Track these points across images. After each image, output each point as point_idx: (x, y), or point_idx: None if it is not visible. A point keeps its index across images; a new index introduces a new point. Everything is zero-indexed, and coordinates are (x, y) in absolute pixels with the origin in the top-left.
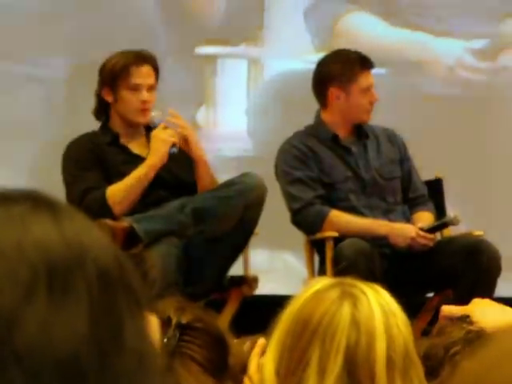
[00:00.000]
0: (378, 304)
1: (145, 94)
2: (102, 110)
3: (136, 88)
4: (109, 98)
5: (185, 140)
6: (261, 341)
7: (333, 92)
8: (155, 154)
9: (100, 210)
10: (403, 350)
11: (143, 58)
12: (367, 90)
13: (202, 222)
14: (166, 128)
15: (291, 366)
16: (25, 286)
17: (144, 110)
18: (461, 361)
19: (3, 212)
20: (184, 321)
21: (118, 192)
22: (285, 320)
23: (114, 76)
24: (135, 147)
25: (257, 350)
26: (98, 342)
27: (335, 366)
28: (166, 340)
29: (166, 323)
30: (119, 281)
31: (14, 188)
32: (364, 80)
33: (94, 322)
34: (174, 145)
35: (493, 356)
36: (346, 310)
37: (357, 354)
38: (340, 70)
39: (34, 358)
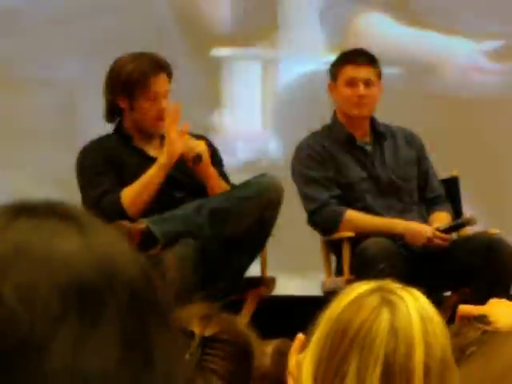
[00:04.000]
0: (416, 311)
1: (163, 103)
2: (114, 114)
3: (154, 97)
4: (124, 106)
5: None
6: (300, 336)
7: (329, 87)
8: (167, 154)
9: (116, 213)
10: (440, 357)
11: (160, 66)
12: (351, 83)
13: (218, 223)
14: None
15: (329, 374)
16: (55, 313)
17: (161, 120)
18: (473, 362)
19: (33, 229)
20: (208, 333)
21: (131, 194)
22: (324, 324)
23: (131, 85)
24: (150, 149)
25: (296, 345)
26: (129, 365)
27: (374, 376)
28: (188, 356)
29: (188, 336)
30: (148, 300)
31: (40, 199)
32: (346, 73)
33: (124, 345)
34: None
35: (507, 359)
36: (384, 318)
37: (395, 363)
38: (332, 65)
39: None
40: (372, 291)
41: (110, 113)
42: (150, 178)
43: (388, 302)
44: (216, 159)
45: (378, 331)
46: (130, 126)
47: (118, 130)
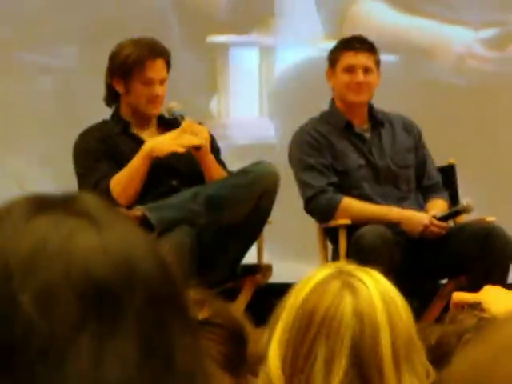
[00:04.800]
0: (377, 293)
1: (157, 88)
2: (113, 98)
3: (149, 82)
4: (120, 89)
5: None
6: None
7: (327, 74)
8: (154, 148)
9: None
10: (406, 336)
11: (158, 51)
12: (350, 69)
13: (215, 211)
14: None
15: (298, 362)
16: (74, 319)
17: (155, 103)
18: (466, 348)
19: (50, 228)
20: (201, 316)
21: (119, 183)
22: (288, 311)
23: (127, 68)
24: (147, 137)
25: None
26: (149, 367)
27: (342, 360)
28: None
29: None
30: (167, 295)
31: (52, 192)
32: (345, 60)
33: (144, 349)
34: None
35: (497, 344)
36: (347, 302)
37: (362, 347)
38: (330, 52)
39: None
40: (332, 276)
41: (108, 97)
42: (135, 167)
43: (349, 286)
44: (213, 147)
45: (342, 316)
46: (126, 113)
47: (115, 116)
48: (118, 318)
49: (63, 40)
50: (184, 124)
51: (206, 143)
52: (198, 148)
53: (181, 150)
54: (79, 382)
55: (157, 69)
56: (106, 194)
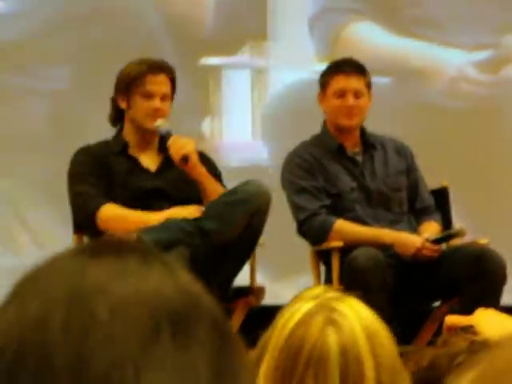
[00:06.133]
0: (360, 326)
1: (157, 102)
2: (118, 117)
3: (149, 95)
4: (123, 105)
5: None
6: None
7: (319, 97)
8: (175, 212)
9: (84, 219)
10: (390, 365)
11: (159, 66)
12: (340, 93)
13: (206, 231)
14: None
15: None
16: (149, 334)
17: (155, 117)
18: (463, 371)
19: (120, 264)
20: None
21: (114, 217)
22: (273, 350)
23: (128, 82)
24: (144, 159)
25: None
26: None
27: None
28: None
29: None
30: (227, 333)
31: (121, 240)
32: (336, 84)
33: (216, 367)
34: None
35: (496, 367)
36: (332, 339)
37: (349, 381)
38: (321, 76)
39: None
40: (316, 310)
41: (112, 115)
42: (140, 218)
43: (332, 322)
44: (214, 172)
45: (328, 353)
46: (128, 131)
47: (117, 136)
48: (191, 337)
49: (55, 62)
50: (169, 141)
51: (193, 155)
52: (185, 160)
53: (176, 150)
54: None
55: (157, 83)
56: (91, 216)
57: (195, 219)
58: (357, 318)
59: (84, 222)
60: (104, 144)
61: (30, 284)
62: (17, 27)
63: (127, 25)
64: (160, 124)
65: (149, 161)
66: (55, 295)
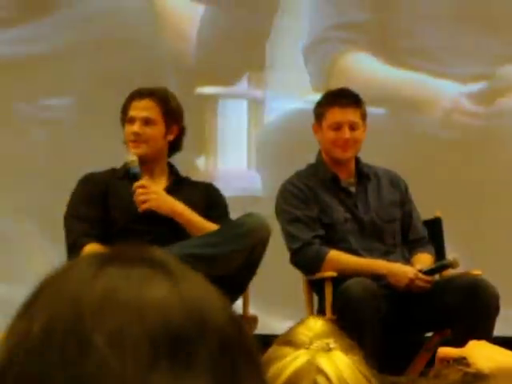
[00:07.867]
0: (337, 380)
1: (135, 127)
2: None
3: (131, 120)
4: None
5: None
6: None
7: (314, 128)
8: None
9: (71, 255)
10: None
11: (144, 92)
12: (336, 126)
13: (206, 265)
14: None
15: None
16: (146, 360)
17: (135, 142)
18: None
19: (122, 276)
20: None
21: None
22: None
23: (122, 111)
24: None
25: None
26: None
27: None
28: None
29: None
30: (239, 346)
31: (128, 247)
32: (331, 116)
33: None
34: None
35: None
36: None
37: None
38: (316, 107)
39: None
40: (302, 375)
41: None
42: None
43: (316, 375)
44: (218, 203)
45: None
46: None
47: (125, 163)
48: (190, 362)
49: (58, 92)
50: (134, 185)
51: (153, 202)
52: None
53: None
54: None
55: (138, 108)
56: (76, 253)
57: (194, 252)
58: (335, 370)
59: (72, 257)
60: (111, 170)
61: (42, 295)
62: (23, 58)
63: (126, 56)
64: (130, 162)
65: (154, 185)
66: (60, 310)
